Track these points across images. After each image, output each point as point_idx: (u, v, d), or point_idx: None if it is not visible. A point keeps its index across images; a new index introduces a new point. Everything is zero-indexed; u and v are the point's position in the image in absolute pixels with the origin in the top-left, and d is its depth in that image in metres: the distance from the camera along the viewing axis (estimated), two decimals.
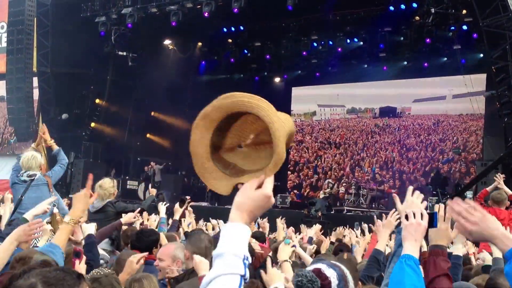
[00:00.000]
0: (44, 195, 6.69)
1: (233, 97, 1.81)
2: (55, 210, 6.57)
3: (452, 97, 21.19)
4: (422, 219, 2.72)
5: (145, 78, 22.54)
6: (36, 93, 22.15)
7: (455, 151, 20.94)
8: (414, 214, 2.73)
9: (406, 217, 2.74)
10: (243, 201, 1.77)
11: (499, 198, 8.20)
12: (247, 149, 1.92)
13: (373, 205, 19.35)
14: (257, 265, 5.34)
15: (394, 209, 5.08)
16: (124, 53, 22.02)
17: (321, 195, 20.16)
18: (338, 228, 8.92)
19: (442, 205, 3.06)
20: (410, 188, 3.02)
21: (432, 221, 2.82)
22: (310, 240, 7.99)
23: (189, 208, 8.34)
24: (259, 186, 1.79)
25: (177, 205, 6.95)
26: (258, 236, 7.30)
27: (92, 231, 4.98)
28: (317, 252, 6.93)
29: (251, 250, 5.59)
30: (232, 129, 1.91)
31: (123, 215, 6.35)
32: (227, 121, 1.87)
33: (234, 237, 1.72)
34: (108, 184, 7.07)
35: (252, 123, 1.89)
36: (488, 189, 8.88)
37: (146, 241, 5.20)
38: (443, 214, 3.05)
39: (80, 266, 3.71)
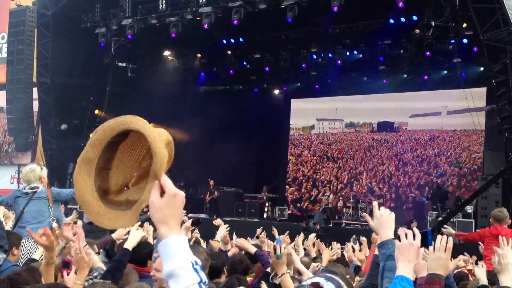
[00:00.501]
0: (45, 209, 6.62)
1: (108, 122, 1.81)
2: (54, 225, 6.51)
3: (450, 112, 21.16)
4: (414, 239, 2.71)
5: (144, 89, 22.50)
6: (36, 104, 22.14)
7: (455, 165, 20.87)
8: (406, 235, 2.71)
9: (399, 238, 2.73)
10: (159, 215, 1.76)
11: (500, 216, 8.27)
12: (135, 187, 1.91)
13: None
14: (258, 274, 5.28)
15: (375, 203, 5.00)
16: (124, 64, 22.00)
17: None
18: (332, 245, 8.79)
19: (444, 236, 3.08)
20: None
21: (426, 240, 2.80)
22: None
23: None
24: (162, 192, 1.77)
25: (188, 223, 6.24)
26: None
27: (132, 244, 4.75)
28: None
29: (246, 266, 5.50)
30: (114, 165, 1.89)
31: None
32: (106, 158, 1.85)
33: (174, 251, 1.73)
34: None
35: (130, 152, 1.90)
36: (454, 233, 8.71)
37: (140, 254, 5.10)
38: (444, 244, 3.06)
39: (69, 277, 3.62)
